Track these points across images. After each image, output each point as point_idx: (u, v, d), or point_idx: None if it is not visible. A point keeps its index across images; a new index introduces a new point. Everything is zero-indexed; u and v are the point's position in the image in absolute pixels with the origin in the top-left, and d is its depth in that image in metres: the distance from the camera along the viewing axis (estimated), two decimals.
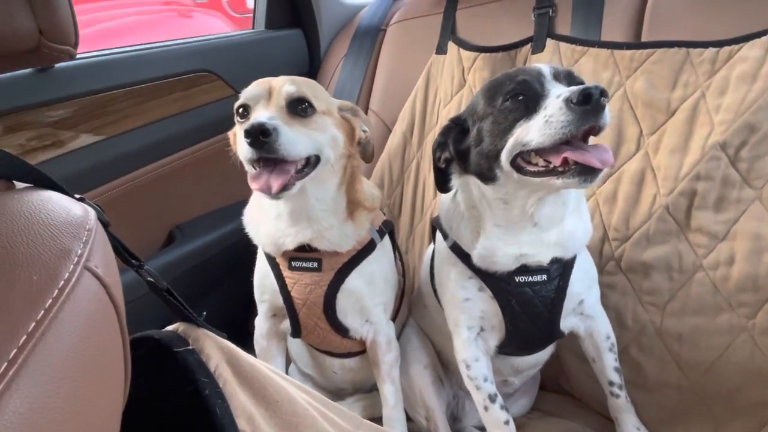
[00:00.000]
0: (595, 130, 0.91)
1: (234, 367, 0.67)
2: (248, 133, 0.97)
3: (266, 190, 1.01)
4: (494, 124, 1.01)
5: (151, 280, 0.65)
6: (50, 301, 0.41)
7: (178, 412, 0.66)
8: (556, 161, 0.92)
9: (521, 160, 0.98)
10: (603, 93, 0.87)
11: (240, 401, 0.64)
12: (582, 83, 1.00)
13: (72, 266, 0.44)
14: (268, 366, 0.74)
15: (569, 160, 0.91)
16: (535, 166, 0.96)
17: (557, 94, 0.92)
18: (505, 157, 0.99)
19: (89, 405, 0.43)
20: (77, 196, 0.55)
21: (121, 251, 0.60)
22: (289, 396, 0.70)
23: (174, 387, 0.65)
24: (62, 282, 0.42)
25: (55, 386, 0.39)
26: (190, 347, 0.65)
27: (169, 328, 0.69)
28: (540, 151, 0.95)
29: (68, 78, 1.44)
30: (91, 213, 0.52)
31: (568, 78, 0.99)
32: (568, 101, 0.88)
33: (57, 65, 1.42)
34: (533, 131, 0.93)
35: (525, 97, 0.97)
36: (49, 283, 0.42)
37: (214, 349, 0.67)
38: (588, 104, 0.87)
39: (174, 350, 0.65)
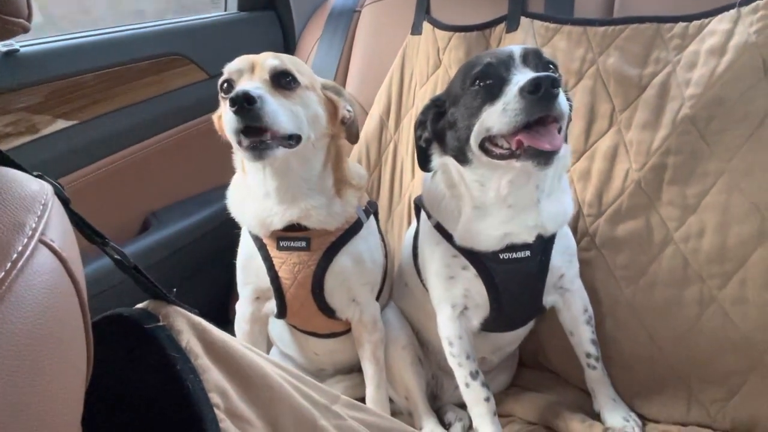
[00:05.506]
0: (550, 119, 0.94)
1: (206, 342, 0.67)
2: (233, 102, 0.97)
3: (256, 144, 1.01)
4: (464, 108, 1.04)
5: (118, 258, 0.64)
6: (2, 274, 0.40)
7: (150, 390, 0.66)
8: (513, 145, 0.96)
9: (489, 143, 1.01)
10: (553, 83, 0.90)
11: (212, 376, 0.64)
12: (549, 63, 1.02)
13: (26, 240, 0.43)
14: (241, 342, 0.74)
15: (523, 144, 0.94)
16: (500, 149, 1.00)
17: (516, 82, 0.95)
18: (473, 141, 1.02)
19: (49, 380, 0.43)
20: (36, 173, 0.54)
21: (83, 227, 0.59)
22: (262, 371, 0.70)
23: (145, 365, 0.65)
24: (15, 255, 0.42)
25: (12, 362, 0.39)
26: (161, 323, 0.65)
27: (139, 306, 0.68)
28: (504, 135, 0.98)
29: (35, 62, 1.41)
30: (47, 188, 0.51)
31: (535, 59, 1.01)
32: (522, 90, 0.91)
33: (23, 49, 1.38)
34: (494, 117, 0.97)
35: (490, 81, 0.99)
36: (1, 257, 0.41)
37: (185, 325, 0.66)
38: (538, 93, 0.90)
39: (144, 327, 0.64)
